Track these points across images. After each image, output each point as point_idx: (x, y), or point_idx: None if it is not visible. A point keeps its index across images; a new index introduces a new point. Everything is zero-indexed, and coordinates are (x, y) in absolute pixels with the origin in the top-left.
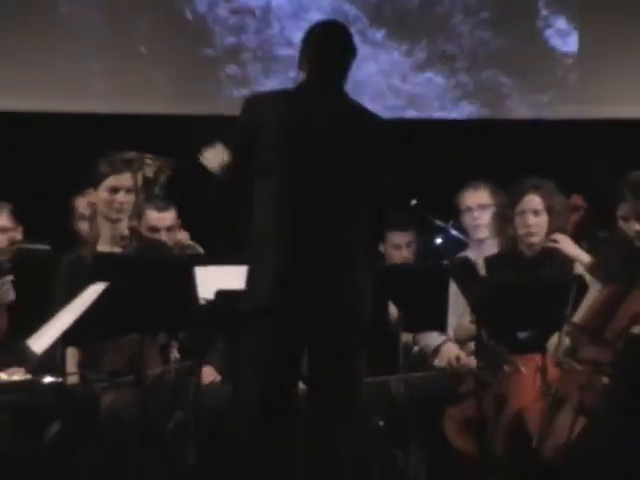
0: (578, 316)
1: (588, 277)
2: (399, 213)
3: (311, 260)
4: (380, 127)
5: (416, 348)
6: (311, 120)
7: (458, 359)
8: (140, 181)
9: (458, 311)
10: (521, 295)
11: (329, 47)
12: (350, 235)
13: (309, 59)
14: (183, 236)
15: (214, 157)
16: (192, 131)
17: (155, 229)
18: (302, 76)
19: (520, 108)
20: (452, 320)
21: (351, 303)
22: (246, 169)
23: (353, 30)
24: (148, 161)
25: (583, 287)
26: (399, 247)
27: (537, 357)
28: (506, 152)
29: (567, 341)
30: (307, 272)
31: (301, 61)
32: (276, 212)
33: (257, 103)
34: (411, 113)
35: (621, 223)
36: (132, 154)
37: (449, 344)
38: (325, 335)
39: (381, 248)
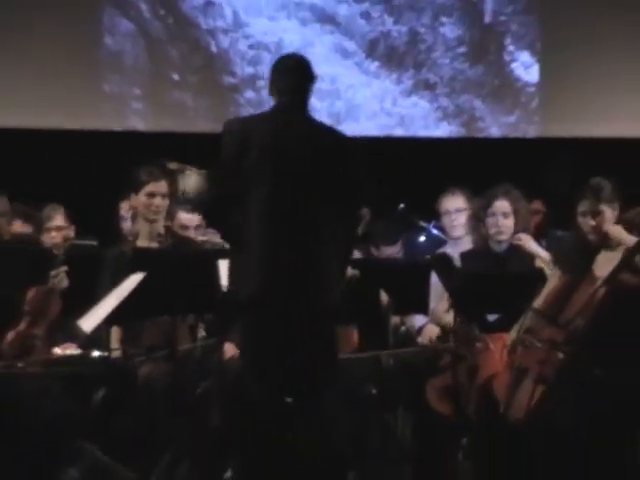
0: (537, 302)
1: (547, 270)
2: (388, 228)
3: (288, 259)
4: (345, 142)
5: (403, 328)
6: (284, 140)
7: (438, 337)
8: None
9: (438, 297)
10: (491, 284)
11: (292, 76)
12: (320, 236)
13: (277, 86)
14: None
15: (190, 183)
16: (216, 146)
17: (185, 228)
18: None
19: (491, 128)
20: (433, 305)
21: (321, 291)
22: (232, 184)
23: (351, 62)
24: (181, 170)
25: (543, 278)
26: (394, 252)
27: (504, 336)
28: (479, 164)
29: (528, 323)
30: (285, 269)
31: (271, 88)
32: (258, 219)
33: (239, 126)
34: (400, 131)
35: (580, 219)
36: (166, 164)
37: (430, 325)
38: (301, 317)
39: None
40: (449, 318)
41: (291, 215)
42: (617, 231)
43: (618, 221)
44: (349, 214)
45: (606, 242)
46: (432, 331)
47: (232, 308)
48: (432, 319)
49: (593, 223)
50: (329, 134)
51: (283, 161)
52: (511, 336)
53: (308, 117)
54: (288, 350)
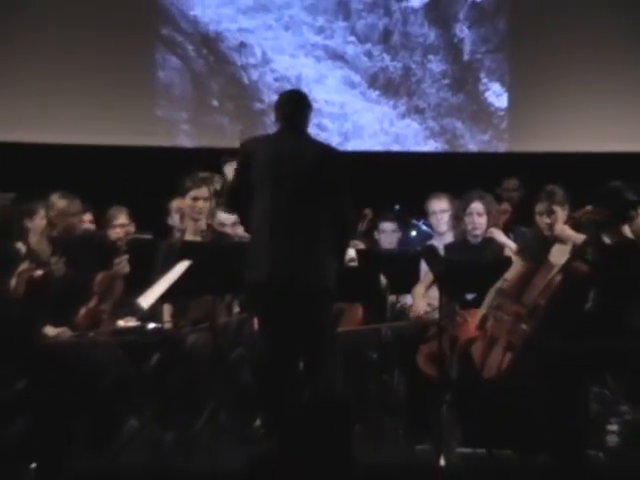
0: (505, 283)
1: (513, 257)
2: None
3: (288, 251)
4: (332, 154)
5: (398, 305)
6: (282, 155)
7: (425, 313)
8: (212, 192)
9: (426, 281)
10: (469, 270)
11: (287, 107)
12: (314, 232)
13: (280, 115)
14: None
15: (231, 170)
16: None
17: (223, 225)
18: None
19: (469, 144)
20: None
21: (317, 276)
22: (242, 191)
23: (357, 91)
24: (217, 179)
25: (511, 265)
26: (386, 233)
27: (479, 311)
28: (459, 174)
29: (498, 300)
30: (287, 259)
31: (276, 116)
32: (264, 218)
33: (249, 145)
34: (396, 147)
35: (537, 217)
36: (205, 174)
37: (420, 302)
38: (301, 299)
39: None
40: (425, 299)
41: (287, 215)
42: (564, 230)
43: (568, 219)
44: (340, 214)
45: (559, 238)
46: (420, 308)
47: (245, 290)
48: (412, 298)
49: (548, 221)
50: (318, 148)
51: (280, 171)
52: (481, 311)
53: (302, 136)
54: (292, 323)
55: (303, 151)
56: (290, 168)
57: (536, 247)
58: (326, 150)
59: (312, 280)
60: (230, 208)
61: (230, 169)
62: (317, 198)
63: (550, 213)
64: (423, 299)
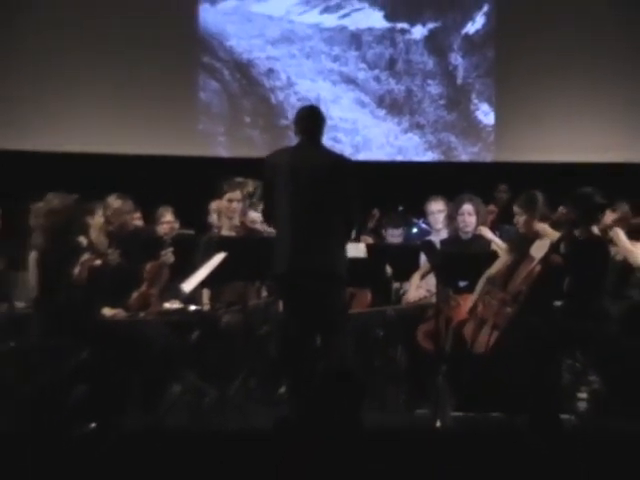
0: (491, 272)
1: (499, 251)
2: (395, 217)
3: (306, 246)
4: (345, 163)
5: (401, 291)
6: (302, 165)
7: (416, 300)
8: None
9: (422, 270)
10: (461, 261)
11: (304, 121)
12: (328, 229)
13: (299, 129)
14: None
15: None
16: None
17: (254, 222)
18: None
19: (461, 155)
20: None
21: (330, 266)
22: (271, 197)
23: (367, 110)
24: (251, 183)
25: (496, 257)
26: (394, 236)
27: (470, 296)
28: (453, 180)
29: (487, 287)
30: (304, 253)
31: (295, 130)
32: (286, 219)
33: (270, 160)
34: (399, 157)
35: (516, 217)
36: (239, 180)
37: (419, 289)
38: (318, 285)
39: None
40: (419, 289)
41: (306, 215)
42: (543, 228)
43: (545, 219)
44: (349, 214)
45: (538, 234)
46: (420, 293)
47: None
48: (409, 285)
49: (522, 220)
50: (332, 158)
51: (300, 179)
52: (473, 297)
53: (318, 147)
54: (311, 305)
55: (319, 161)
56: (308, 176)
57: (519, 242)
58: (339, 160)
59: (327, 269)
60: (266, 218)
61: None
62: (331, 201)
63: (519, 215)
64: (417, 289)
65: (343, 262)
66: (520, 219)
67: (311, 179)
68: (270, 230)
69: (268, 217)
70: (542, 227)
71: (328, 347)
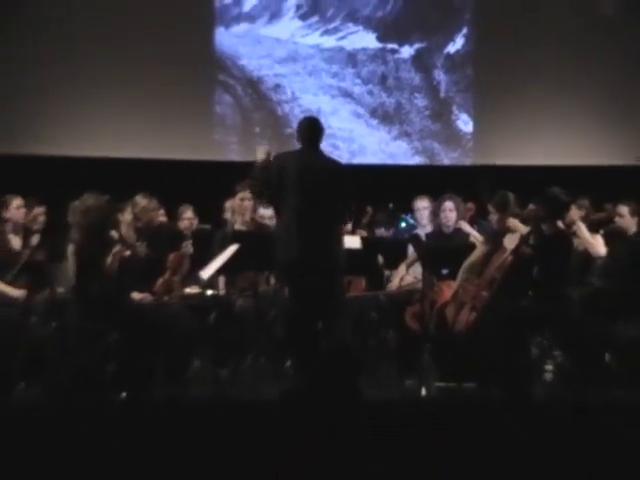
0: (470, 261)
1: (477, 243)
2: (386, 217)
3: (310, 239)
4: (339, 167)
5: (391, 278)
6: (308, 167)
7: (411, 283)
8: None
9: (408, 261)
10: (443, 252)
11: (305, 131)
12: (329, 225)
13: (301, 137)
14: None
15: (260, 151)
16: None
17: (263, 218)
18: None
19: (444, 159)
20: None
21: (332, 258)
22: (277, 194)
23: (362, 120)
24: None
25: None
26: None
27: (451, 282)
28: (437, 181)
29: (466, 274)
30: (309, 245)
31: (297, 137)
32: (292, 215)
33: (279, 159)
34: (390, 161)
35: (490, 215)
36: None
37: (407, 276)
38: (320, 274)
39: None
40: (406, 278)
41: (309, 213)
42: (514, 223)
43: (516, 215)
44: (345, 210)
45: (510, 229)
46: (407, 279)
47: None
48: (397, 274)
49: (495, 218)
50: (331, 163)
51: (303, 182)
52: (455, 283)
53: (318, 153)
54: (313, 290)
55: (321, 165)
56: (311, 179)
57: (493, 236)
58: (336, 165)
59: (328, 260)
60: (259, 192)
61: (260, 149)
62: (330, 200)
63: (493, 212)
64: (404, 277)
65: (342, 253)
66: (494, 216)
67: (315, 181)
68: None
69: (260, 195)
70: (513, 222)
71: (329, 328)
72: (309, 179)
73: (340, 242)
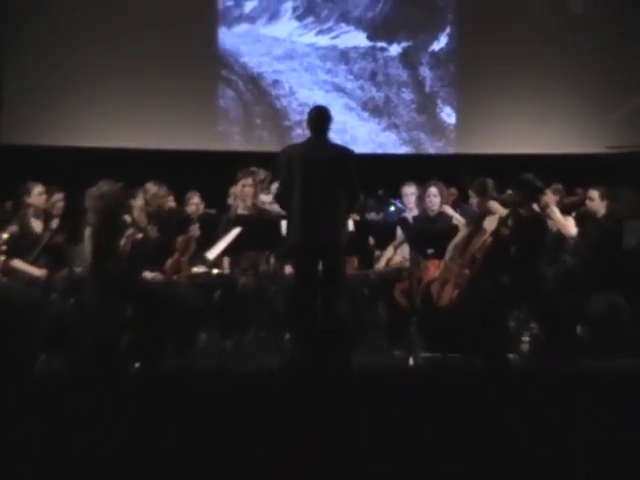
0: (454, 243)
1: (459, 225)
2: (376, 202)
3: (315, 221)
4: (346, 153)
5: (382, 257)
6: (312, 156)
7: (400, 262)
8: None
9: (396, 243)
10: (429, 234)
11: (314, 120)
12: (334, 207)
13: (310, 125)
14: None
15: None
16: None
17: (263, 203)
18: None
19: (429, 149)
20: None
21: (335, 237)
22: (287, 183)
23: (354, 113)
24: (261, 172)
25: (457, 230)
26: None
27: (436, 261)
28: (422, 168)
29: (450, 255)
30: (314, 226)
31: (308, 125)
32: (299, 200)
33: (285, 152)
34: (380, 151)
35: (471, 199)
36: (252, 169)
37: (396, 256)
38: (325, 252)
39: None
40: (395, 257)
41: (316, 197)
42: (494, 206)
43: (496, 199)
44: (353, 193)
45: (489, 212)
46: (396, 259)
47: (286, 247)
48: (384, 255)
49: (475, 202)
50: (338, 149)
51: (311, 168)
52: (442, 263)
53: (325, 141)
54: (317, 267)
55: (326, 153)
56: (318, 166)
57: (474, 218)
58: (343, 151)
59: (331, 239)
60: (280, 201)
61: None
62: (336, 185)
63: (474, 197)
64: (393, 256)
65: (345, 234)
66: (474, 200)
67: (319, 168)
68: (277, 209)
69: (280, 196)
70: (493, 205)
71: (328, 304)
72: (313, 166)
73: (344, 225)
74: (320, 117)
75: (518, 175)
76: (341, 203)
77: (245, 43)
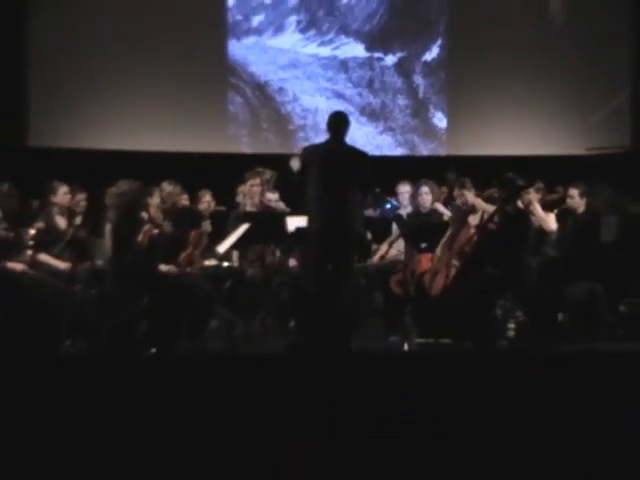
0: (445, 238)
1: (450, 222)
2: (373, 199)
3: (331, 217)
4: (361, 155)
5: (378, 250)
6: (330, 156)
7: (395, 255)
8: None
9: (391, 239)
10: (421, 229)
11: (337, 123)
12: (348, 202)
13: (329, 128)
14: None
15: (294, 164)
16: (285, 161)
17: (269, 201)
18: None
19: (422, 151)
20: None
21: (349, 229)
22: (304, 184)
23: (353, 118)
24: (268, 172)
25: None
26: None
27: (429, 255)
28: (416, 168)
29: (441, 248)
30: (330, 217)
31: (328, 128)
32: (316, 195)
33: (306, 151)
34: (377, 152)
35: (457, 199)
36: (259, 169)
37: (392, 250)
38: (339, 245)
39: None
40: (391, 251)
41: (334, 192)
42: (479, 202)
43: (480, 196)
44: (365, 187)
45: (474, 208)
46: (392, 252)
47: (306, 237)
48: (381, 248)
49: (460, 201)
50: (353, 150)
51: (328, 167)
52: (435, 256)
53: (342, 143)
54: (330, 259)
55: (340, 154)
56: (334, 165)
57: (460, 214)
58: (355, 153)
59: (346, 231)
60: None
61: (295, 161)
62: (351, 182)
63: (461, 195)
64: (389, 250)
65: (357, 226)
66: (461, 199)
67: (337, 167)
68: (282, 207)
69: (297, 188)
70: (478, 202)
71: (335, 291)
72: (330, 166)
73: (356, 219)
74: (339, 121)
75: (502, 174)
76: (354, 199)
77: (253, 54)
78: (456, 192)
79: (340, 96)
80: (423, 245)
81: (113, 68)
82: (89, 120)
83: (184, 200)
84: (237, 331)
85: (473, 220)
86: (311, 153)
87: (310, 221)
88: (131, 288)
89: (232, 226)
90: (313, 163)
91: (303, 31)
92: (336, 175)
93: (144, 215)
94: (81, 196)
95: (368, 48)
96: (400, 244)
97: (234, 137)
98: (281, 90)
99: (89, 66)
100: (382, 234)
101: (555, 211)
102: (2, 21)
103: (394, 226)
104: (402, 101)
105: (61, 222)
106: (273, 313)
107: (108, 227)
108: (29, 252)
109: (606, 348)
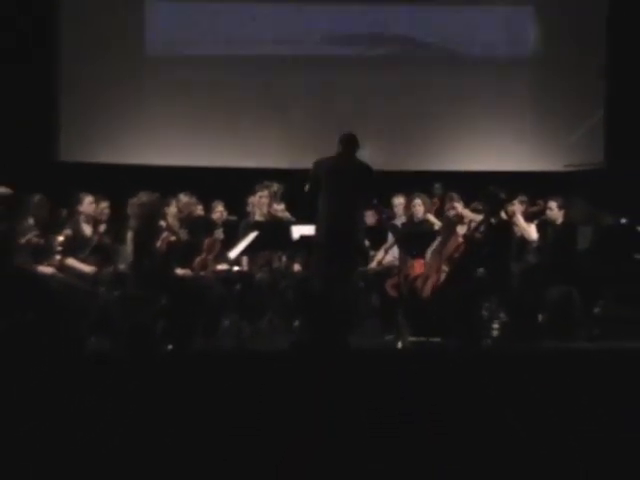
0: (434, 246)
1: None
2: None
3: (338, 224)
4: (368, 170)
5: (375, 256)
6: (340, 169)
7: (390, 261)
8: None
9: (386, 246)
10: (414, 236)
11: (348, 142)
12: (355, 213)
13: (341, 144)
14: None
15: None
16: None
17: (276, 211)
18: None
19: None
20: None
21: (354, 237)
22: (315, 192)
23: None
24: (275, 185)
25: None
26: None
27: (421, 260)
28: (409, 181)
29: (431, 255)
30: (337, 228)
31: (339, 143)
32: (325, 206)
33: (318, 163)
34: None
35: (447, 211)
36: (267, 182)
37: (387, 256)
38: (344, 250)
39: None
40: (387, 257)
41: (341, 203)
42: (467, 213)
43: (467, 207)
44: (371, 197)
45: (462, 219)
46: (387, 258)
47: (314, 243)
48: (377, 254)
49: (452, 213)
50: (361, 165)
51: (337, 179)
52: (426, 261)
53: (349, 158)
54: (336, 262)
55: (348, 168)
56: (343, 177)
57: (449, 224)
58: (362, 168)
59: (352, 237)
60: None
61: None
62: (358, 193)
63: (451, 207)
64: (385, 256)
65: (363, 234)
66: (452, 211)
67: (345, 179)
68: (288, 216)
69: (307, 196)
70: (466, 212)
71: (339, 294)
72: (338, 178)
73: (361, 226)
74: (347, 142)
75: (486, 187)
76: (360, 208)
77: None
78: (447, 205)
79: None
80: (415, 252)
81: (134, 89)
82: (113, 137)
83: (199, 210)
84: (247, 330)
85: (461, 230)
86: (322, 165)
87: (319, 229)
88: (150, 290)
89: (242, 234)
90: (323, 175)
91: None
92: (344, 187)
93: (162, 223)
94: (105, 205)
95: None
96: (395, 251)
97: (244, 152)
98: None
99: (113, 90)
100: (379, 241)
101: (536, 222)
102: (37, 41)
103: (389, 235)
104: None
105: (87, 229)
106: (279, 313)
107: (130, 234)
108: (58, 257)
109: (582, 347)
